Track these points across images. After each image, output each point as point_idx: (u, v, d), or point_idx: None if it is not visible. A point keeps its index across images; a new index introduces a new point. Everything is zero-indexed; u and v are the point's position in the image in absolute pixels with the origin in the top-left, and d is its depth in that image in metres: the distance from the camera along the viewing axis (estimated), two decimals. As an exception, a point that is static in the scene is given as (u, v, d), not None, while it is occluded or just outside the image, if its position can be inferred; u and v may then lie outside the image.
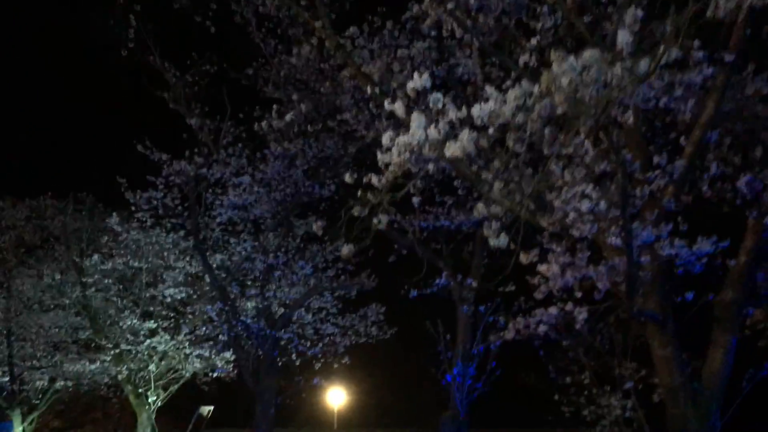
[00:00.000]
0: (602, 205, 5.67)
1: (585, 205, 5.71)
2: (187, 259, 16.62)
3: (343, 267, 15.56)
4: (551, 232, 7.95)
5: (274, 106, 11.12)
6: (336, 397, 28.46)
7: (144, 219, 16.37)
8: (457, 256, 12.67)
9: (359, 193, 5.62)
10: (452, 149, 4.47)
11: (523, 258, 7.23)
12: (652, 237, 6.28)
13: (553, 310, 7.13)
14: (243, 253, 15.29)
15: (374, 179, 5.23)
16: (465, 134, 4.40)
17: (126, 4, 9.83)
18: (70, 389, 21.27)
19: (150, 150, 15.53)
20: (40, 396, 21.87)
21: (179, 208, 16.05)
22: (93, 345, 19.20)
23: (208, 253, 15.46)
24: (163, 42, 15.84)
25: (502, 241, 6.78)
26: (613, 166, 5.68)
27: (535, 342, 12.16)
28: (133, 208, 16.19)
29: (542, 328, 7.36)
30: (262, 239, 15.79)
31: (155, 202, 15.64)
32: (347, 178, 5.82)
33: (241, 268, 15.92)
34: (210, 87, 16.17)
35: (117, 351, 17.58)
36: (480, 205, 7.34)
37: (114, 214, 15.98)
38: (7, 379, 20.73)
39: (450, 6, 6.66)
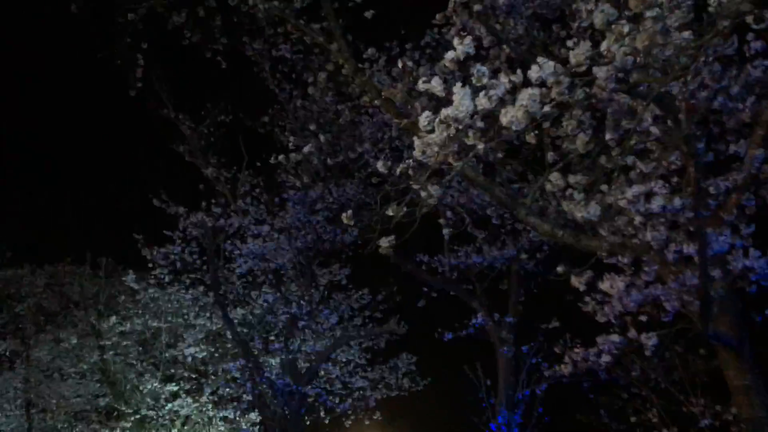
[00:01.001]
0: (677, 203, 4.94)
1: (656, 204, 4.97)
2: (207, 315, 15.95)
3: (370, 315, 14.80)
4: (607, 249, 7.21)
5: (291, 139, 10.61)
6: (368, 457, 27.08)
7: (162, 276, 15.81)
8: (492, 295, 11.89)
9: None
10: (510, 114, 3.77)
11: (575, 282, 6.49)
12: (726, 246, 5.51)
13: (615, 337, 6.30)
14: (265, 305, 14.59)
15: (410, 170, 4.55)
16: (525, 94, 3.71)
17: (132, 43, 9.50)
18: (91, 461, 20.34)
19: (166, 203, 15.11)
20: (60, 470, 20.93)
21: (197, 262, 15.50)
22: (114, 413, 18.46)
23: (228, 308, 14.79)
24: (176, 92, 15.66)
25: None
26: (684, 157, 4.98)
27: (583, 384, 11.24)
28: (150, 265, 15.69)
29: (604, 359, 6.52)
30: (284, 290, 15.12)
31: (173, 257, 15.11)
32: (380, 166, 5.17)
33: (264, 321, 15.20)
34: (225, 137, 15.87)
35: (138, 417, 16.77)
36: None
37: (130, 271, 15.42)
38: (25, 453, 19.89)
39: (477, 8, 6.12)
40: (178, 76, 16.27)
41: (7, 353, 21.01)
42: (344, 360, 16.14)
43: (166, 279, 15.82)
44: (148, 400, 17.04)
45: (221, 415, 17.04)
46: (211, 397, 16.69)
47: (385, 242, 4.94)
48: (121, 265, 17.13)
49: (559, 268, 6.40)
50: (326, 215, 14.67)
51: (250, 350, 13.91)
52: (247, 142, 15.76)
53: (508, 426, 10.69)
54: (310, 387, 14.09)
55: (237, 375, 15.05)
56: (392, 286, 14.79)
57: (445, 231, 9.14)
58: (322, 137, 10.33)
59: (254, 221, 14.30)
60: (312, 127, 10.47)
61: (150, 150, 15.83)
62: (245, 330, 15.38)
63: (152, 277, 15.78)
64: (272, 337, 15.33)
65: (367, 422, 15.81)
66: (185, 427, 17.27)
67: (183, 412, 17.05)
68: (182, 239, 15.41)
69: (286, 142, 15.31)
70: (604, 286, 6.15)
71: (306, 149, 9.97)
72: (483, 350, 11.89)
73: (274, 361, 15.29)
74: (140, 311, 16.48)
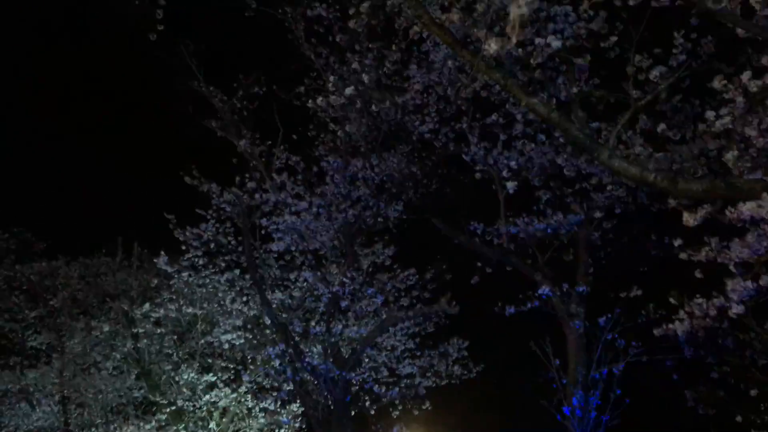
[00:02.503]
0: None
1: None
2: (244, 299, 15.00)
3: (418, 295, 13.65)
4: (710, 193, 6.00)
5: (331, 79, 9.53)
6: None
7: (195, 259, 14.94)
8: (556, 267, 10.65)
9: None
10: None
11: (689, 219, 5.28)
12: None
13: (748, 283, 5.06)
14: (304, 286, 13.57)
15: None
16: None
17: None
18: (127, 455, 19.63)
19: (198, 180, 14.22)
20: (97, 466, 20.28)
21: (232, 243, 14.58)
22: (150, 406, 17.71)
23: (266, 291, 13.81)
24: (206, 64, 14.77)
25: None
26: None
27: (667, 362, 9.95)
28: (183, 248, 14.82)
29: (736, 309, 5.28)
30: (324, 272, 14.08)
31: (207, 237, 14.22)
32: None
33: (303, 305, 14.19)
34: (259, 110, 14.92)
35: (174, 409, 15.91)
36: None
37: (162, 253, 14.56)
38: (63, 450, 19.30)
39: None
40: (209, 47, 15.40)
41: (44, 347, 20.59)
42: (390, 346, 15.05)
43: (200, 262, 14.94)
44: (185, 391, 16.18)
45: (261, 406, 16.10)
46: (249, 386, 15.76)
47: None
48: (153, 249, 16.30)
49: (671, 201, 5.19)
50: (368, 190, 13.64)
51: (290, 334, 12.91)
52: (282, 116, 14.80)
53: (583, 409, 9.47)
54: (354, 374, 13.00)
55: (276, 362, 14.05)
56: (441, 264, 13.63)
57: (510, 185, 7.94)
58: (365, 77, 9.19)
59: (291, 196, 13.30)
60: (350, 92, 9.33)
61: (180, 126, 14.98)
62: (284, 315, 14.39)
63: (186, 260, 14.91)
64: (313, 322, 14.31)
65: (416, 412, 14.67)
66: (223, 420, 16.37)
67: (221, 403, 16.14)
68: (216, 219, 14.52)
69: (324, 117, 14.39)
70: (747, 206, 4.88)
71: (348, 91, 8.87)
72: (547, 328, 10.68)
73: (316, 349, 14.28)
74: (174, 297, 15.64)
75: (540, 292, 10.01)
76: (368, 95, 10.10)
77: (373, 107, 13.46)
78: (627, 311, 9.76)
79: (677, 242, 6.83)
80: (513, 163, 9.95)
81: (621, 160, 6.65)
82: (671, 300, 5.94)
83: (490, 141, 10.86)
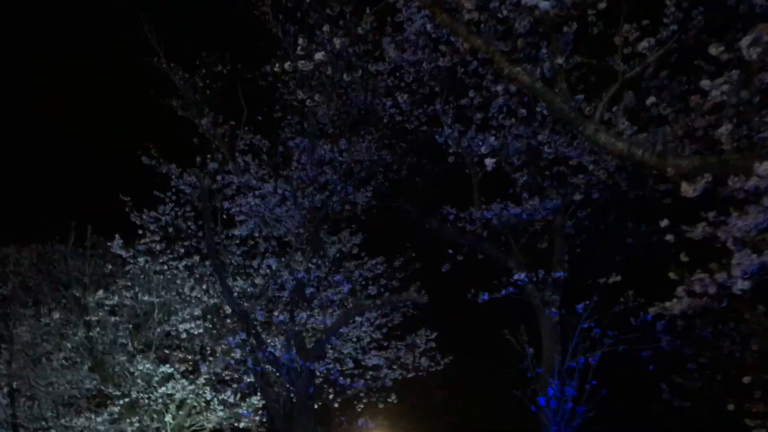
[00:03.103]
0: None
1: None
2: (204, 287, 14.33)
3: (386, 284, 13.17)
4: (701, 169, 5.66)
5: (300, 41, 8.93)
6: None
7: (153, 244, 14.20)
8: (529, 255, 10.26)
9: None
10: None
11: (688, 189, 4.89)
12: None
13: (754, 257, 4.68)
14: (267, 273, 12.97)
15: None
16: None
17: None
18: (78, 449, 18.79)
19: (157, 161, 13.50)
20: (46, 460, 19.37)
21: (192, 227, 13.89)
22: (104, 399, 16.92)
23: (227, 278, 13.16)
24: (167, 39, 14.04)
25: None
26: None
27: (642, 353, 9.64)
28: (140, 232, 14.09)
29: (741, 286, 4.90)
30: (288, 259, 13.48)
31: (165, 220, 13.52)
32: None
33: (266, 292, 13.58)
34: (223, 90, 14.25)
35: (128, 400, 15.17)
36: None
37: (117, 236, 13.81)
38: (10, 444, 18.41)
39: None
40: (170, 21, 14.69)
41: (-8, 337, 19.63)
42: (355, 337, 14.55)
43: (158, 247, 14.22)
44: (140, 382, 15.46)
45: (220, 398, 15.46)
46: (208, 378, 15.10)
47: None
48: (108, 233, 15.51)
49: (670, 169, 4.80)
50: (336, 175, 13.10)
51: (251, 323, 12.30)
52: (247, 97, 14.16)
53: (559, 399, 9.10)
54: (318, 365, 12.46)
55: (236, 352, 13.44)
56: (411, 251, 13.17)
57: (488, 162, 7.50)
58: (337, 42, 8.63)
59: (255, 179, 12.70)
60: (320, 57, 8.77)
61: (138, 105, 14.25)
62: (245, 303, 13.77)
63: (141, 244, 14.17)
64: (276, 312, 13.72)
65: (381, 405, 14.18)
66: (180, 412, 15.71)
67: (178, 395, 15.48)
68: (175, 202, 13.82)
69: (291, 100, 13.80)
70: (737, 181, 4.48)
71: (318, 56, 8.31)
72: (520, 317, 10.27)
73: (278, 340, 13.69)
74: (129, 284, 14.90)
75: (515, 277, 9.60)
76: (338, 66, 9.51)
77: (342, 88, 12.97)
78: (604, 299, 9.42)
79: (663, 223, 6.47)
80: (486, 147, 9.52)
81: (607, 135, 6.26)
82: (670, 275, 5.56)
83: (464, 123, 10.43)
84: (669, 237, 6.34)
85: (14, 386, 18.62)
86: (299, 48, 8.96)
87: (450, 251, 11.16)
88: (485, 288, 10.06)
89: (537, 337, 9.85)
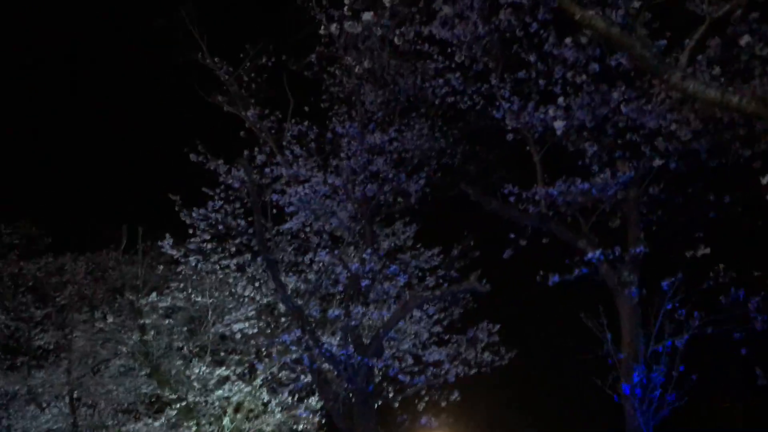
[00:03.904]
0: None
1: None
2: (257, 285, 13.97)
3: (444, 274, 12.54)
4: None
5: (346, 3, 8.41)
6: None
7: (203, 243, 13.91)
8: (603, 233, 9.48)
9: None
10: None
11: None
12: None
13: None
14: (320, 268, 12.50)
15: None
16: None
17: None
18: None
19: (204, 157, 13.22)
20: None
21: (242, 224, 13.53)
22: (161, 403, 16.76)
23: (280, 274, 12.73)
24: (210, 34, 13.78)
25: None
26: None
27: (735, 334, 8.77)
28: (190, 231, 13.80)
29: None
30: (341, 252, 12.99)
31: (214, 218, 13.19)
32: None
33: (319, 288, 13.11)
34: (268, 83, 13.91)
35: (184, 404, 14.91)
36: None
37: (167, 235, 13.55)
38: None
39: None
40: (213, 15, 14.44)
41: (51, 346, 19.78)
42: (414, 332, 13.95)
43: (209, 246, 13.91)
44: (196, 386, 15.20)
45: (277, 400, 15.07)
46: (265, 380, 14.74)
47: None
48: (159, 234, 15.31)
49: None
50: (387, 164, 12.57)
51: (306, 319, 11.82)
52: (293, 88, 13.79)
53: (645, 387, 8.30)
54: (377, 360, 11.90)
55: (292, 351, 12.96)
56: (469, 239, 12.50)
57: (558, 125, 6.83)
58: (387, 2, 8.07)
59: (305, 169, 12.27)
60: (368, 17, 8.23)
61: (183, 102, 14.04)
62: (299, 301, 13.33)
63: (193, 244, 13.89)
64: (331, 308, 13.23)
65: (443, 403, 13.50)
66: (237, 416, 15.36)
67: (234, 398, 15.16)
68: (224, 200, 13.49)
69: (338, 91, 13.36)
70: None
71: (366, 16, 7.76)
72: (593, 301, 9.49)
73: (334, 336, 13.21)
74: (182, 285, 14.65)
75: (589, 256, 8.84)
76: (388, 27, 8.95)
77: (390, 73, 12.46)
78: (689, 276, 8.59)
79: (765, 180, 5.70)
80: (554, 117, 8.80)
81: (697, 82, 5.53)
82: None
83: (523, 97, 9.76)
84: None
85: (75, 395, 18.68)
86: (346, 9, 8.40)
87: (512, 236, 10.44)
88: (554, 272, 9.31)
89: (614, 321, 9.07)
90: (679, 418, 8.67)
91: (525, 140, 10.17)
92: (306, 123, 13.00)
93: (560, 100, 7.85)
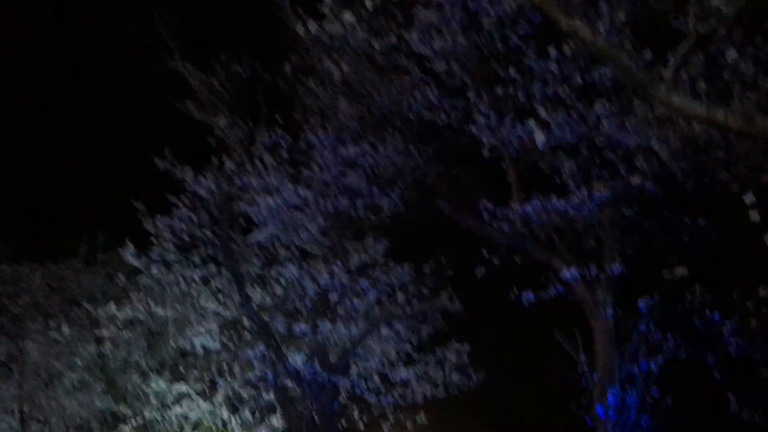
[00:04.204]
0: None
1: None
2: (221, 298, 13.54)
3: (415, 291, 12.27)
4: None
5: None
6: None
7: (167, 254, 13.44)
8: (578, 252, 9.32)
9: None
10: None
11: None
12: None
13: None
14: (289, 279, 12.15)
15: None
16: None
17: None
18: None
19: (172, 165, 12.81)
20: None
21: (208, 235, 13.11)
22: (116, 420, 16.12)
23: (245, 287, 12.34)
24: (182, 39, 13.46)
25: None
26: None
27: (707, 359, 8.65)
28: (153, 240, 13.33)
29: None
30: (310, 267, 12.65)
31: (180, 227, 12.75)
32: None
33: (285, 303, 12.74)
34: (240, 92, 13.61)
35: (141, 421, 14.34)
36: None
37: (129, 243, 13.07)
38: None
39: None
40: (186, 19, 14.10)
41: (2, 357, 19.05)
42: (381, 351, 13.62)
43: (172, 256, 13.45)
44: (153, 401, 14.64)
45: (238, 419, 14.57)
46: (225, 397, 14.24)
47: None
48: (119, 242, 14.80)
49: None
50: (360, 177, 12.31)
51: (272, 333, 11.44)
52: (266, 98, 13.50)
53: (618, 409, 8.10)
54: (343, 379, 11.55)
55: (256, 368, 12.54)
56: (440, 257, 12.29)
57: (538, 139, 6.68)
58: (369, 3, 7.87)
59: (275, 179, 11.94)
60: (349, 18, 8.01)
61: (150, 106, 13.62)
62: (266, 318, 12.93)
63: (155, 253, 13.42)
64: (297, 323, 12.85)
65: (409, 425, 13.19)
66: (196, 433, 14.84)
67: (193, 415, 14.64)
68: (191, 208, 13.06)
69: (311, 104, 13.12)
70: None
71: (347, 17, 7.54)
72: (565, 322, 9.31)
73: (300, 358, 12.81)
74: (142, 295, 14.15)
75: (566, 274, 8.67)
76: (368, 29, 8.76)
77: (365, 86, 12.28)
78: (663, 297, 8.46)
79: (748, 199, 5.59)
80: (528, 136, 8.67)
81: (683, 97, 5.41)
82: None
83: (501, 113, 9.61)
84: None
85: (25, 409, 17.95)
86: (327, 9, 8.18)
87: (486, 254, 10.25)
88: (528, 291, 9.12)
89: (588, 343, 8.89)
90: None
91: (501, 157, 10.02)
92: (279, 131, 12.69)
93: (542, 111, 7.71)
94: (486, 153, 10.10)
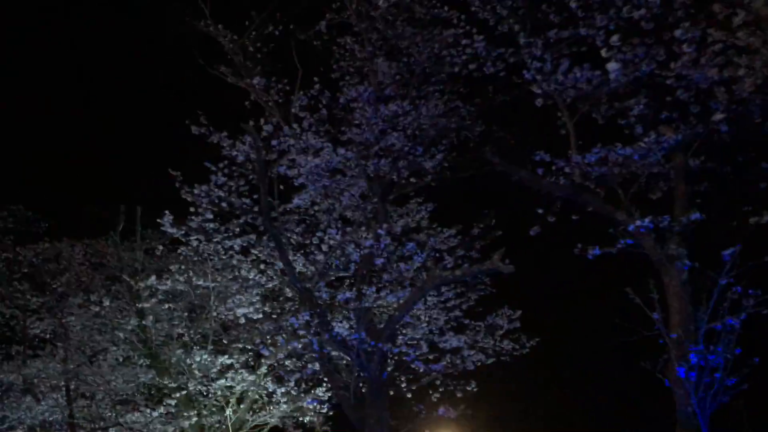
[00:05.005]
0: None
1: None
2: (262, 267, 13.14)
3: (463, 254, 11.69)
4: None
5: None
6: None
7: (205, 224, 13.06)
8: (643, 204, 8.62)
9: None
10: None
11: None
12: None
13: None
14: (331, 244, 11.67)
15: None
16: None
17: None
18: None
19: (207, 129, 12.38)
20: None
21: (247, 203, 12.68)
22: (160, 393, 15.98)
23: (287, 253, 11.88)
24: (215, 1, 12.95)
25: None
26: None
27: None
28: (191, 209, 12.95)
29: None
30: (352, 231, 12.14)
31: (217, 195, 12.33)
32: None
33: (329, 270, 12.26)
34: (275, 54, 13.07)
35: (184, 394, 14.11)
36: None
37: (167, 212, 12.73)
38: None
39: None
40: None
41: (47, 335, 19.09)
42: (428, 318, 13.12)
43: (211, 226, 13.06)
44: (197, 374, 14.39)
45: (283, 390, 14.28)
46: (270, 369, 13.94)
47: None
48: (158, 213, 14.48)
49: None
50: (401, 138, 11.72)
51: (315, 301, 11.00)
52: (302, 59, 12.94)
53: (700, 369, 7.44)
54: (392, 345, 11.06)
55: (300, 335, 12.11)
56: (490, 217, 11.67)
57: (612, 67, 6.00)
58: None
59: (314, 140, 11.43)
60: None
61: (184, 71, 13.18)
62: (307, 284, 12.49)
63: (194, 223, 13.05)
64: (342, 290, 12.39)
65: (459, 394, 12.70)
66: (241, 406, 14.56)
67: (237, 388, 14.36)
68: (228, 175, 12.64)
69: (347, 65, 12.54)
70: None
71: None
72: (631, 279, 8.62)
73: (345, 324, 12.35)
74: (182, 267, 13.83)
75: (638, 224, 7.97)
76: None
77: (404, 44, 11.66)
78: (744, 248, 7.72)
79: None
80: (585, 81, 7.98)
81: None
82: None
83: (554, 57, 8.93)
84: None
85: (71, 385, 17.96)
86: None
87: (540, 211, 9.61)
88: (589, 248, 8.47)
89: (660, 299, 8.20)
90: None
91: (556, 105, 9.34)
92: (317, 88, 12.13)
93: (614, 38, 7.00)
94: (539, 102, 9.45)
